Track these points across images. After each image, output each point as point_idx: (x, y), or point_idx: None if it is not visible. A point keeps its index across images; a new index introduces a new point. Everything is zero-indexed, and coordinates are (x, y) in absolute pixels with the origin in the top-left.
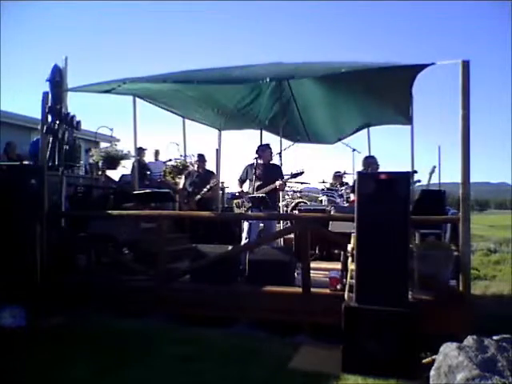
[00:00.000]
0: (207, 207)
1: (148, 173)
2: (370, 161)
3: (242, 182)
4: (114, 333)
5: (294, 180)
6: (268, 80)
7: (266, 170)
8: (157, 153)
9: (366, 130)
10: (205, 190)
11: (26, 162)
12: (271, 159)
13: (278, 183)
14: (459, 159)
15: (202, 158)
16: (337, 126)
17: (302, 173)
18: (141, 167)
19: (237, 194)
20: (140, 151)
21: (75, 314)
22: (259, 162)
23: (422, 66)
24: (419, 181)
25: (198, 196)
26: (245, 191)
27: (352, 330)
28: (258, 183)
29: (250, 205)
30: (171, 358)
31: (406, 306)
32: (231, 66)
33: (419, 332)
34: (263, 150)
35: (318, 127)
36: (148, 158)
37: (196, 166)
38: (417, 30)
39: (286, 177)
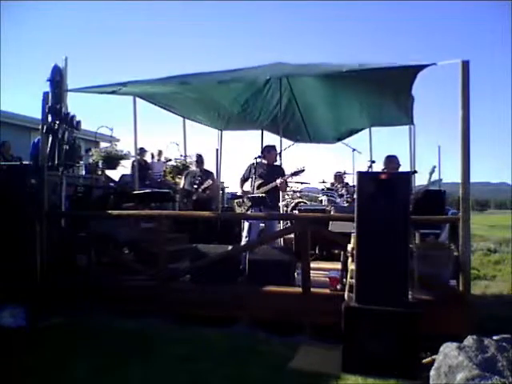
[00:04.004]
0: (206, 207)
1: (149, 171)
2: (391, 159)
3: (244, 180)
4: (113, 333)
5: (294, 179)
6: (268, 77)
7: (270, 171)
8: (160, 153)
9: (367, 130)
10: (199, 190)
11: (25, 162)
12: (276, 160)
13: (278, 181)
14: (459, 159)
15: (199, 159)
16: (338, 126)
17: (302, 170)
18: (142, 167)
19: (238, 194)
20: (142, 152)
21: (75, 314)
22: (263, 161)
23: (423, 66)
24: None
25: (194, 196)
26: (246, 190)
27: (352, 330)
28: (260, 182)
29: (250, 204)
30: (171, 358)
31: (406, 306)
32: (231, 69)
33: (419, 332)
34: (269, 150)
35: (319, 127)
36: (149, 158)
37: (194, 166)
38: (417, 30)
39: (287, 176)
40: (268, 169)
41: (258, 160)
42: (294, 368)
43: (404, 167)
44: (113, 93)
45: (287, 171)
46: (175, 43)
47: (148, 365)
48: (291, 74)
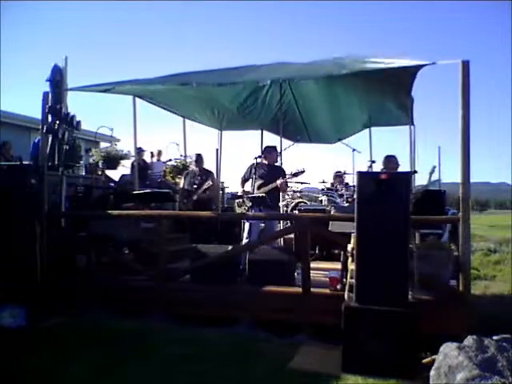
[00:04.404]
0: (206, 207)
1: (149, 171)
2: (390, 159)
3: (244, 180)
4: (113, 332)
5: (294, 179)
6: (269, 82)
7: (270, 171)
8: (159, 153)
9: (367, 130)
10: (199, 191)
11: (25, 162)
12: (276, 161)
13: (278, 182)
14: (459, 159)
15: (198, 158)
16: (338, 126)
17: (302, 171)
18: (141, 167)
19: (239, 194)
20: (139, 152)
21: (75, 314)
22: (264, 162)
23: (422, 65)
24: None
25: (195, 197)
26: (246, 190)
27: (352, 330)
28: (260, 182)
29: (250, 204)
30: (171, 358)
31: (406, 306)
32: (233, 66)
33: (419, 332)
34: (270, 151)
35: (319, 127)
36: (148, 158)
37: (194, 166)
38: (417, 29)
39: (287, 177)
40: (268, 169)
41: (259, 160)
42: (294, 368)
43: (404, 167)
44: (111, 89)
45: (287, 171)
46: (175, 43)
47: (148, 365)
48: (291, 77)
